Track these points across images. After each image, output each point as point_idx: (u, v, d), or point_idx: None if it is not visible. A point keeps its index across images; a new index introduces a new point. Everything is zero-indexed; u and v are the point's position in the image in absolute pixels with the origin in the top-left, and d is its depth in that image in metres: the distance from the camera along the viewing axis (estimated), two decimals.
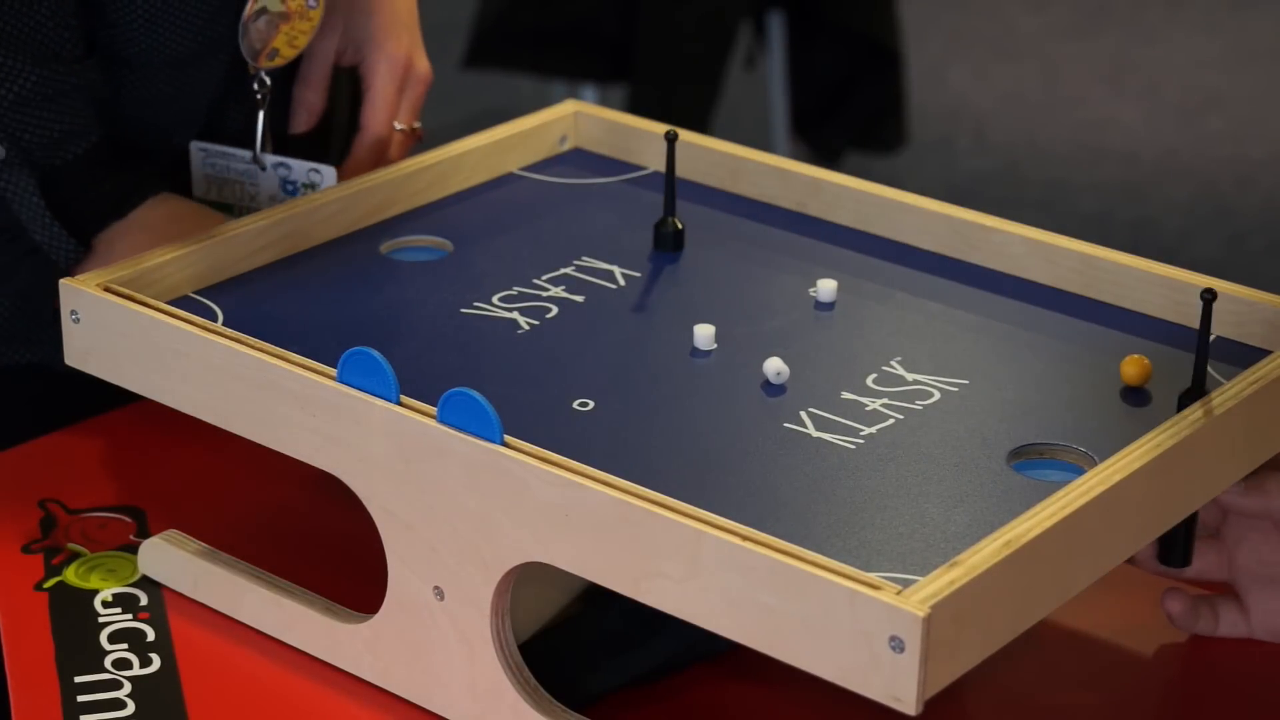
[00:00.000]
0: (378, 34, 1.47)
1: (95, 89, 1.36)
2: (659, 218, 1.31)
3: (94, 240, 1.36)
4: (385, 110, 1.46)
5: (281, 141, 1.48)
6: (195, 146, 1.45)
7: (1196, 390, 1.10)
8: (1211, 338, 1.19)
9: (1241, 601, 1.17)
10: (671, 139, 1.30)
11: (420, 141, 1.50)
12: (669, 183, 1.30)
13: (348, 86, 1.56)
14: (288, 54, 1.42)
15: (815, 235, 1.33)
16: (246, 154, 1.44)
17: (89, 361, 1.20)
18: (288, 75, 1.47)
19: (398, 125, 1.47)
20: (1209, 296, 1.09)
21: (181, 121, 1.44)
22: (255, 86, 1.43)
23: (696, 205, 1.36)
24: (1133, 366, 1.14)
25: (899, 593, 0.92)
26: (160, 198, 1.37)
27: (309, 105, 1.48)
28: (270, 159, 1.44)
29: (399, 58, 1.47)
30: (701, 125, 3.28)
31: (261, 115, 1.43)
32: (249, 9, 1.38)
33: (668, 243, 1.30)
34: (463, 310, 1.23)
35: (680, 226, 1.30)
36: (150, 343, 1.16)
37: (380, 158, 1.46)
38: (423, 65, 1.49)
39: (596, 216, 1.35)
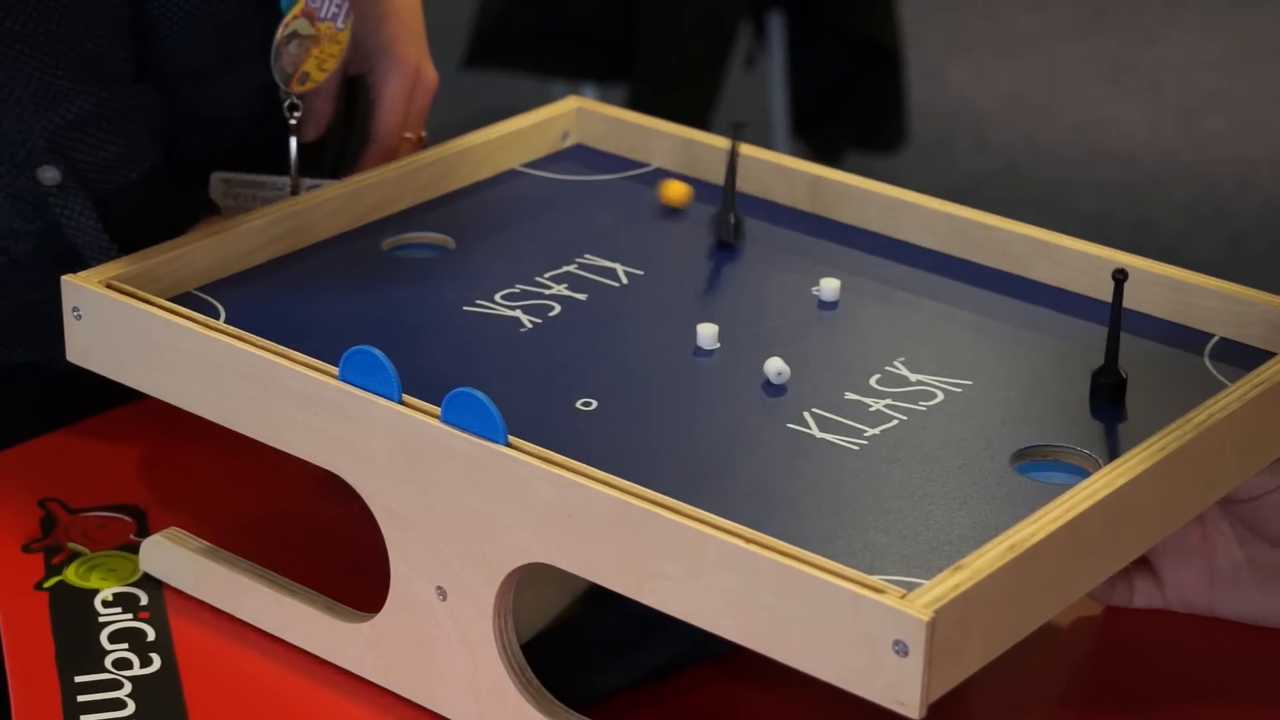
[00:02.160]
0: (388, 43, 1.46)
1: (152, 111, 1.36)
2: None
3: None
4: (396, 119, 1.46)
5: (275, 150, 1.47)
6: (217, 178, 1.44)
7: (1110, 367, 1.13)
8: (1215, 340, 1.20)
9: (1156, 573, 1.18)
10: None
11: (424, 147, 1.49)
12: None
13: (345, 95, 1.55)
14: (318, 77, 1.40)
15: (818, 234, 1.32)
16: (276, 180, 1.43)
17: (90, 358, 1.20)
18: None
19: (405, 134, 1.46)
20: (1120, 277, 1.12)
21: (199, 135, 1.43)
22: (287, 110, 1.42)
23: (700, 203, 1.36)
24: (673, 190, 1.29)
25: (903, 596, 0.92)
26: (206, 222, 1.37)
27: (318, 115, 1.46)
28: (305, 182, 1.43)
29: (409, 66, 1.46)
30: (701, 125, 3.28)
31: (294, 141, 1.42)
32: (280, 34, 1.36)
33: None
34: (465, 308, 1.23)
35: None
36: (152, 340, 1.16)
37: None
38: (430, 74, 1.49)
39: (599, 214, 1.35)
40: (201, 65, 1.39)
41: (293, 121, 1.41)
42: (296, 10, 1.36)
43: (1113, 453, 1.04)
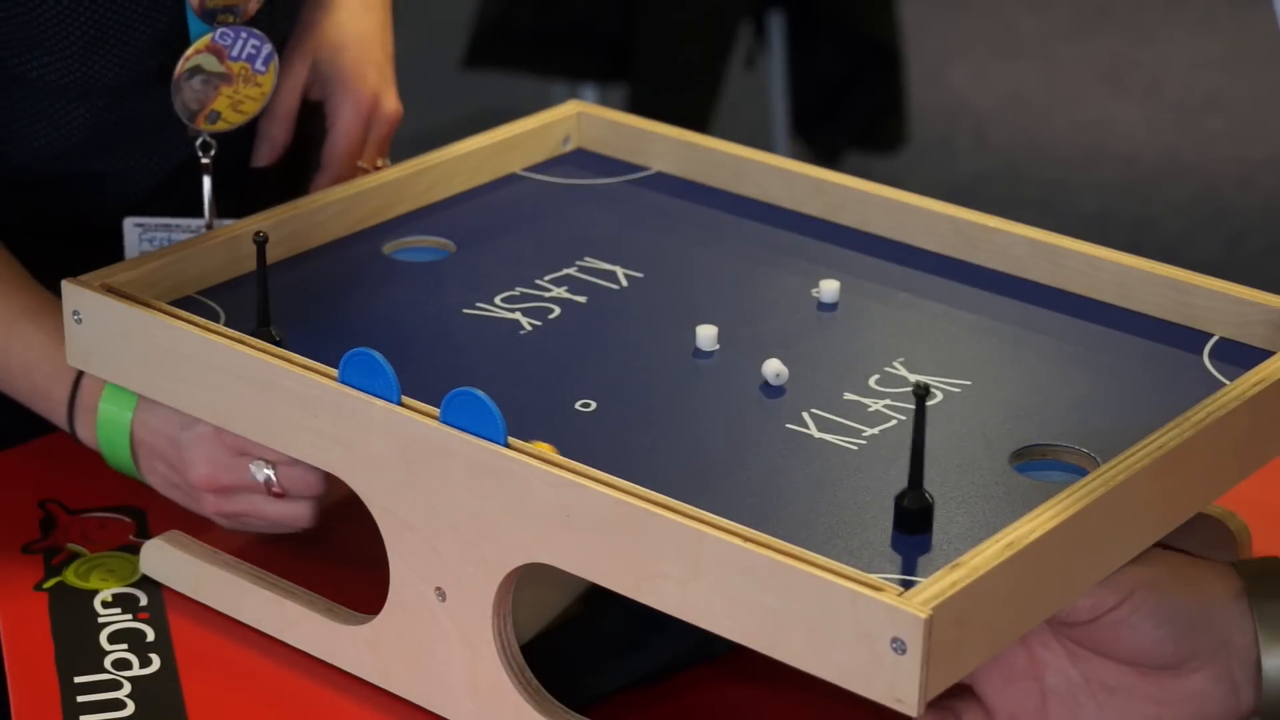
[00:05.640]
0: (345, 71, 1.43)
1: None
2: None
3: None
4: (347, 149, 1.43)
5: (255, 177, 1.44)
6: (130, 223, 1.39)
7: (914, 484, 1.01)
8: (1215, 339, 1.20)
9: (983, 702, 1.06)
10: (260, 242, 1.16)
11: None
12: (261, 288, 1.17)
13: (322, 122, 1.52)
14: (232, 119, 1.35)
15: (818, 236, 1.32)
16: (192, 222, 1.38)
17: (90, 362, 1.20)
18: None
19: (360, 164, 1.43)
20: (920, 392, 0.98)
21: (135, 146, 1.40)
22: (200, 150, 1.37)
23: (700, 205, 1.36)
24: None
25: (901, 594, 0.92)
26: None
27: (272, 139, 1.43)
28: (224, 222, 1.37)
29: (365, 96, 1.43)
30: (701, 125, 3.28)
31: (207, 180, 1.37)
32: (180, 66, 1.31)
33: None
34: (465, 311, 1.23)
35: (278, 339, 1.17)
36: (152, 343, 1.16)
37: None
38: (390, 104, 1.45)
39: (599, 217, 1.35)
40: (126, 79, 1.34)
41: (205, 160, 1.37)
42: (200, 45, 1.31)
43: (1111, 452, 1.04)
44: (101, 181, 1.40)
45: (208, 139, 1.37)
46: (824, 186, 1.34)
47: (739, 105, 3.76)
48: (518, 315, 1.23)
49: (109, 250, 1.39)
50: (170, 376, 1.16)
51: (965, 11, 4.67)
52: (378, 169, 1.44)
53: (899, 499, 1.01)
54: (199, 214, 1.39)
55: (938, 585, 0.93)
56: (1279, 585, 1.05)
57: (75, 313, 1.19)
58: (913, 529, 1.01)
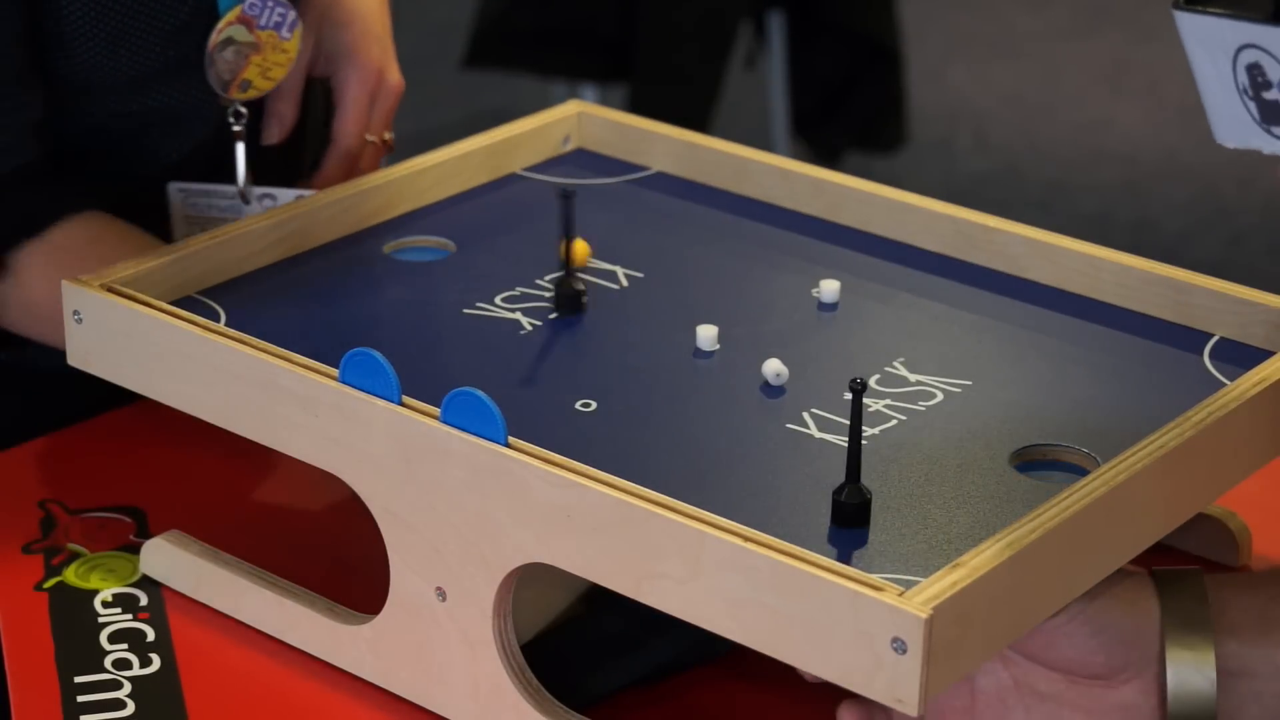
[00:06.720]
0: (350, 46, 1.45)
1: (34, 112, 1.34)
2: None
3: (6, 258, 1.32)
4: (357, 123, 1.45)
5: (254, 153, 1.45)
6: (174, 187, 1.42)
7: (851, 479, 1.02)
8: (1215, 340, 1.20)
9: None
10: (568, 194, 1.20)
11: (392, 152, 1.48)
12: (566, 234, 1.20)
13: (322, 98, 1.54)
14: (262, 85, 1.39)
15: (818, 236, 1.32)
16: (229, 189, 1.42)
17: (91, 362, 1.20)
18: None
19: (369, 137, 1.46)
20: (858, 386, 1.00)
21: (165, 140, 1.42)
22: (232, 119, 1.40)
23: (700, 205, 1.36)
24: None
25: (901, 594, 0.92)
26: (83, 217, 1.34)
27: (280, 116, 1.45)
28: (255, 191, 1.42)
29: (371, 70, 1.45)
30: (701, 125, 3.28)
31: (241, 147, 1.41)
32: (213, 39, 1.35)
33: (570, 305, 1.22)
34: (465, 311, 1.23)
35: (580, 288, 1.22)
36: (152, 343, 1.16)
37: (351, 170, 1.44)
38: (394, 77, 1.47)
39: (599, 217, 1.35)
40: (148, 71, 1.36)
41: (237, 129, 1.40)
42: (231, 16, 1.35)
43: (1111, 452, 1.04)
44: (121, 167, 1.41)
45: (239, 108, 1.40)
46: (824, 186, 1.34)
47: (739, 105, 3.76)
48: (518, 315, 1.23)
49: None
50: (170, 376, 1.16)
51: (965, 11, 4.68)
52: (385, 141, 1.47)
53: (836, 493, 1.02)
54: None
55: (938, 585, 0.93)
56: (1186, 584, 1.05)
57: (75, 313, 1.19)
58: (849, 523, 1.02)
